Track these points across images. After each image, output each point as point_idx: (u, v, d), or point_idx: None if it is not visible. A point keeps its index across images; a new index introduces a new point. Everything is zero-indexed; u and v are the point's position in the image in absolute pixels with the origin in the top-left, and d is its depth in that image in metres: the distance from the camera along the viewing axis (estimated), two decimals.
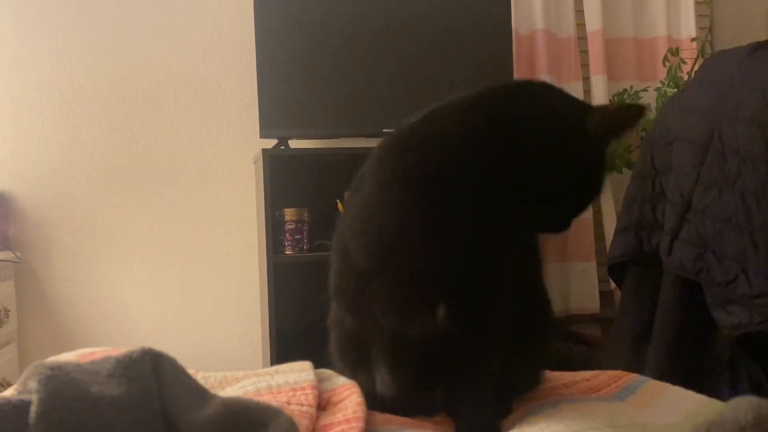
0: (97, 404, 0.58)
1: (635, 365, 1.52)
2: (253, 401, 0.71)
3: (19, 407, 0.57)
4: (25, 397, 0.59)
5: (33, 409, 0.56)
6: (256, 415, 0.66)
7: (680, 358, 1.48)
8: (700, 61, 2.41)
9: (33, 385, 0.58)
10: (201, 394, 0.69)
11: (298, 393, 0.92)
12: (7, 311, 2.18)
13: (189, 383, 0.69)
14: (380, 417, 0.91)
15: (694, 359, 1.48)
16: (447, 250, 0.79)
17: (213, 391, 0.97)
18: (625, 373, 1.05)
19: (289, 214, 2.17)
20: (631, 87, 2.58)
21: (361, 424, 0.83)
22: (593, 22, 2.67)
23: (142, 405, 0.60)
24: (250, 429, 0.64)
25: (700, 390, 0.97)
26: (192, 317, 2.48)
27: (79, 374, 0.61)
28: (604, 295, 2.60)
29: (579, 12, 2.70)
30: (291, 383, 0.97)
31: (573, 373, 1.09)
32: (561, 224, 0.84)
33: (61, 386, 0.58)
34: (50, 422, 0.55)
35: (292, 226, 2.16)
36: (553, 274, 2.54)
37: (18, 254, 2.30)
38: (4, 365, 2.12)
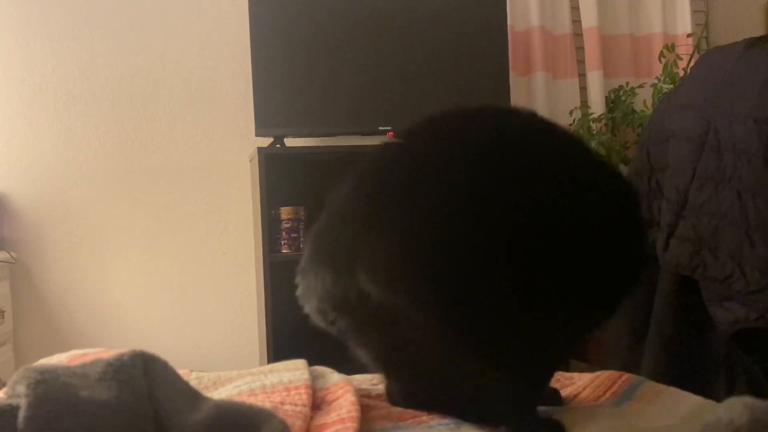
0: (87, 409, 0.57)
1: (632, 362, 1.52)
2: (245, 404, 0.70)
3: (8, 412, 0.57)
4: (13, 401, 0.58)
5: (21, 413, 0.56)
6: (248, 418, 0.65)
7: (677, 354, 1.48)
8: (696, 57, 2.40)
9: (22, 389, 0.58)
10: (193, 396, 0.68)
11: (292, 392, 0.92)
12: (2, 312, 2.17)
13: (180, 386, 0.69)
14: (375, 414, 0.90)
15: (691, 356, 1.47)
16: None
17: (207, 391, 0.97)
18: (621, 373, 1.05)
19: (285, 212, 2.17)
20: (627, 83, 2.58)
21: (355, 425, 0.82)
22: (589, 18, 2.67)
23: (132, 409, 0.60)
24: None
25: (697, 387, 0.97)
26: (189, 316, 2.47)
27: (69, 378, 0.60)
28: None
29: (575, 9, 2.70)
30: (285, 382, 0.97)
31: (569, 377, 1.09)
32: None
33: (50, 391, 0.57)
34: (38, 427, 0.55)
35: (289, 225, 2.16)
36: None
37: (13, 254, 2.30)
38: (0, 366, 2.11)
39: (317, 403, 0.94)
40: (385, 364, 0.89)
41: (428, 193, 0.81)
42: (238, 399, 0.89)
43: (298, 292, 0.91)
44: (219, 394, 0.96)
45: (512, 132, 0.88)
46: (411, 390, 0.88)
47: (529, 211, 0.81)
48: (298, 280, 0.91)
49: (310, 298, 0.88)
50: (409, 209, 0.80)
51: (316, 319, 0.89)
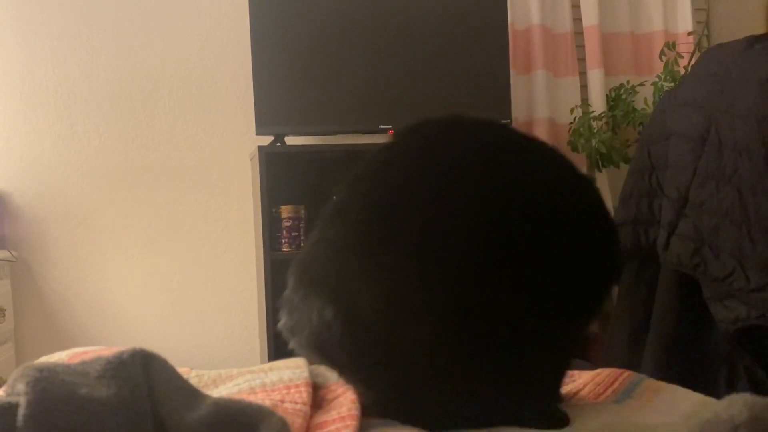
0: (86, 406, 0.57)
1: (633, 360, 1.52)
2: (244, 402, 0.70)
3: (8, 409, 0.57)
4: (13, 399, 0.58)
5: (21, 411, 0.56)
6: (248, 416, 0.65)
7: (678, 353, 1.48)
8: (697, 55, 2.40)
9: (21, 387, 0.58)
10: (192, 394, 0.68)
11: (293, 391, 0.92)
12: (3, 310, 2.17)
13: (180, 384, 0.69)
14: (375, 413, 0.90)
15: (691, 354, 1.47)
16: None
17: (207, 389, 0.96)
18: (622, 371, 1.05)
19: (285, 211, 2.17)
20: (628, 82, 2.57)
21: (355, 423, 0.82)
22: (590, 16, 2.66)
23: (131, 407, 0.60)
24: (242, 430, 0.64)
25: (698, 385, 0.97)
26: (189, 315, 2.48)
27: (68, 376, 0.60)
28: None
29: (575, 7, 2.69)
30: (285, 380, 0.96)
31: (570, 374, 1.09)
32: None
33: (50, 388, 0.57)
34: (38, 425, 0.55)
35: (289, 223, 2.16)
36: None
37: (14, 253, 2.30)
38: (1, 364, 2.11)
39: (317, 402, 0.94)
40: (389, 393, 0.85)
41: (422, 214, 0.80)
42: (238, 397, 0.89)
43: (283, 325, 0.87)
44: (219, 392, 0.96)
45: (498, 147, 0.88)
46: (415, 408, 0.87)
47: (527, 220, 0.82)
48: (283, 312, 0.87)
49: (301, 331, 0.84)
50: (406, 232, 0.79)
51: (308, 355, 0.86)
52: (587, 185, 0.97)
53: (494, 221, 0.80)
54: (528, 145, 0.93)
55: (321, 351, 0.84)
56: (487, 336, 0.79)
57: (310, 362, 0.88)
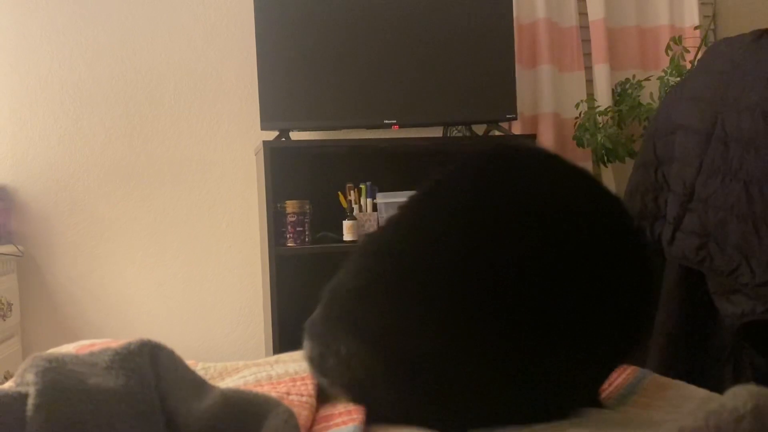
0: (95, 396, 0.58)
1: (638, 356, 1.52)
2: (251, 392, 0.71)
3: (17, 399, 0.57)
4: (22, 389, 0.58)
5: (30, 401, 0.56)
6: (255, 407, 0.66)
7: (683, 347, 1.48)
8: (703, 49, 2.39)
9: (30, 377, 0.58)
10: (199, 385, 0.69)
11: (298, 383, 0.92)
12: (10, 305, 2.18)
13: (187, 375, 0.69)
14: None
15: (696, 349, 1.47)
16: None
17: (213, 381, 0.97)
18: (626, 367, 1.05)
19: (290, 206, 2.17)
20: (634, 76, 2.56)
21: (361, 416, 0.82)
22: (595, 11, 2.65)
23: (139, 397, 0.60)
24: (249, 420, 0.64)
25: (703, 380, 0.97)
26: (194, 310, 2.48)
27: (77, 366, 0.61)
28: None
29: (581, 1, 2.69)
30: (291, 373, 0.97)
31: None
32: None
33: (59, 378, 0.58)
34: (47, 414, 0.55)
35: (294, 218, 2.16)
36: None
37: (20, 248, 2.31)
38: (7, 358, 2.12)
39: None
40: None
41: (481, 259, 0.80)
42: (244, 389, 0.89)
43: (309, 358, 0.89)
44: (225, 384, 0.96)
45: (544, 182, 0.88)
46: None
47: (583, 270, 0.83)
48: (309, 341, 0.89)
49: (336, 375, 0.86)
50: (471, 284, 0.79)
51: (340, 394, 0.88)
52: (625, 214, 0.96)
53: (557, 260, 0.81)
54: (573, 176, 0.93)
55: (360, 397, 0.85)
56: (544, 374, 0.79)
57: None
